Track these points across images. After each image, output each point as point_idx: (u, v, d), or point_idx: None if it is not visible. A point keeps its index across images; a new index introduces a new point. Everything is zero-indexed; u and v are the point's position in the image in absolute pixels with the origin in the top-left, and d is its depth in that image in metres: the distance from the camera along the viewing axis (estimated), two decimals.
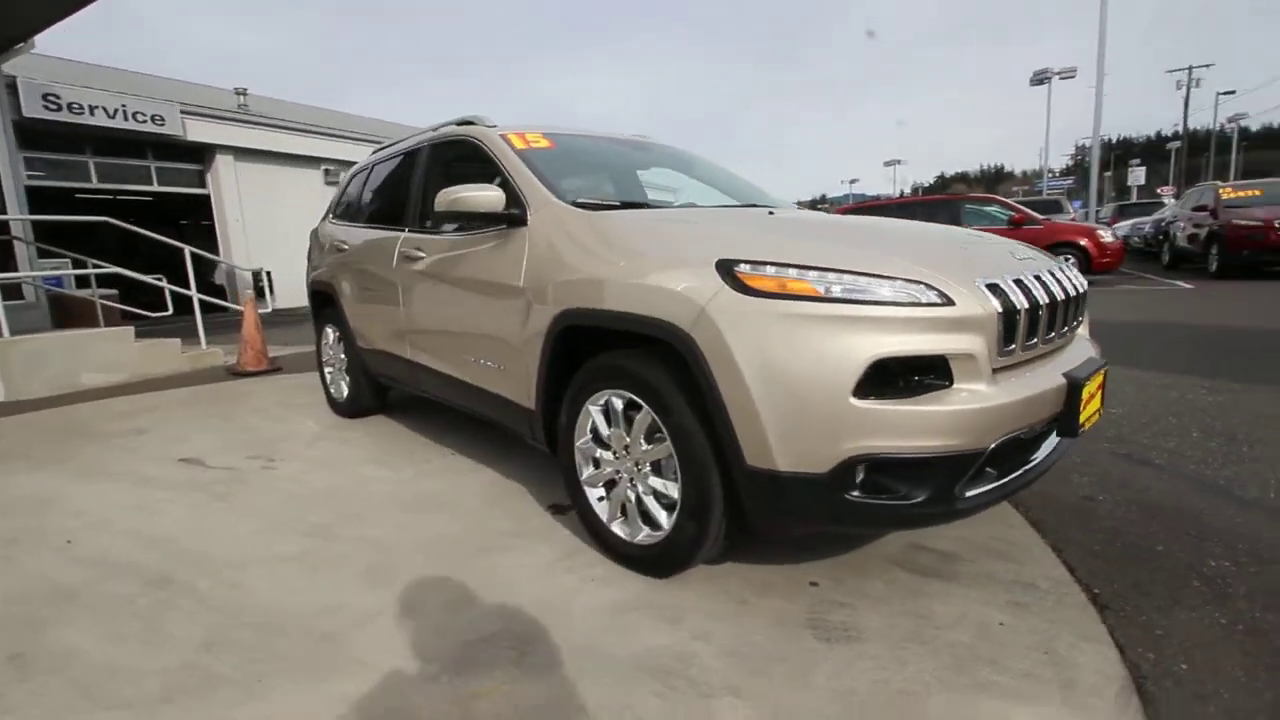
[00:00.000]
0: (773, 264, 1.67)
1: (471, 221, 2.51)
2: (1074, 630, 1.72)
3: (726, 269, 1.71)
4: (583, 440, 2.19)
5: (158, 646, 1.79)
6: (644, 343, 1.99)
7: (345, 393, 4.04)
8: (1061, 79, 25.03)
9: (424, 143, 3.22)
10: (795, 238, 1.90)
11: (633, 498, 2.05)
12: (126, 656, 1.75)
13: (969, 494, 1.66)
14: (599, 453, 2.15)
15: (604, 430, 2.10)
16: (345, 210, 4.01)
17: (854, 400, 1.55)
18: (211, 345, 6.48)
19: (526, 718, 1.48)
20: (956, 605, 1.86)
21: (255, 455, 3.43)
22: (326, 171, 17.97)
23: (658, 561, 2.01)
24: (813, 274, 1.64)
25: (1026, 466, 1.80)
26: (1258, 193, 10.70)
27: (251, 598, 2.03)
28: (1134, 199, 28.33)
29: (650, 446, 1.96)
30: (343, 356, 4.01)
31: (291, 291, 10.22)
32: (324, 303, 4.15)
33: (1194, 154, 53.71)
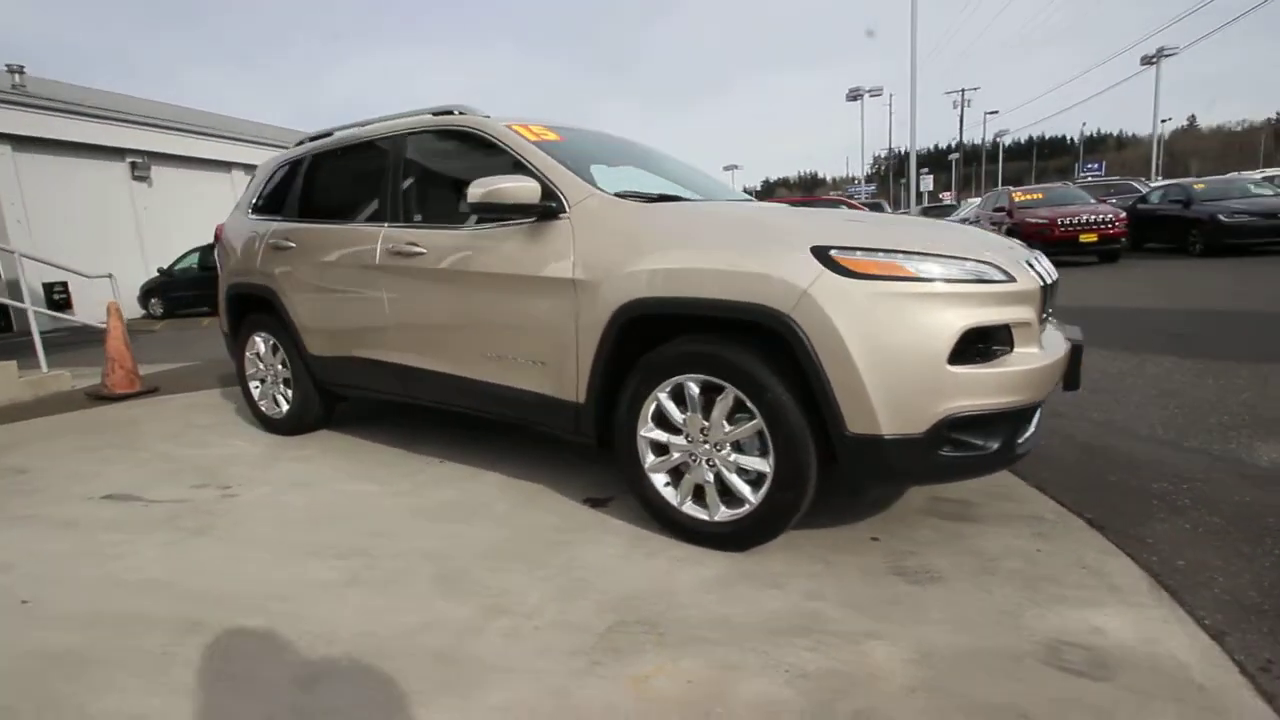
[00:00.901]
0: (864, 249, 1.86)
1: (501, 214, 2.42)
2: (1091, 548, 2.10)
3: (823, 254, 1.86)
4: (646, 429, 2.24)
5: (248, 695, 1.58)
6: (719, 328, 2.09)
7: (284, 408, 3.64)
8: (871, 96, 28.35)
9: (399, 131, 3.01)
10: (866, 226, 2.09)
11: (710, 478, 2.14)
12: (217, 710, 1.53)
13: (1019, 442, 1.97)
14: (667, 439, 2.21)
15: (676, 416, 2.17)
16: (275, 205, 3.60)
17: (949, 366, 1.79)
18: (53, 368, 5.41)
19: (706, 688, 1.53)
20: (996, 541, 2.17)
21: (202, 484, 3.00)
22: (134, 165, 15.56)
23: (741, 536, 2.12)
24: (900, 257, 1.85)
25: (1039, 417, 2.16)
26: (1040, 196, 13.00)
27: (326, 627, 1.84)
28: (925, 203, 32.89)
29: (733, 427, 2.06)
30: (280, 367, 3.61)
31: (91, 306, 8.75)
32: (251, 308, 3.70)
33: (968, 164, 63.28)
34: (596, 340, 2.25)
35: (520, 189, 2.30)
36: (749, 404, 2.00)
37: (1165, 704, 1.43)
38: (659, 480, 2.26)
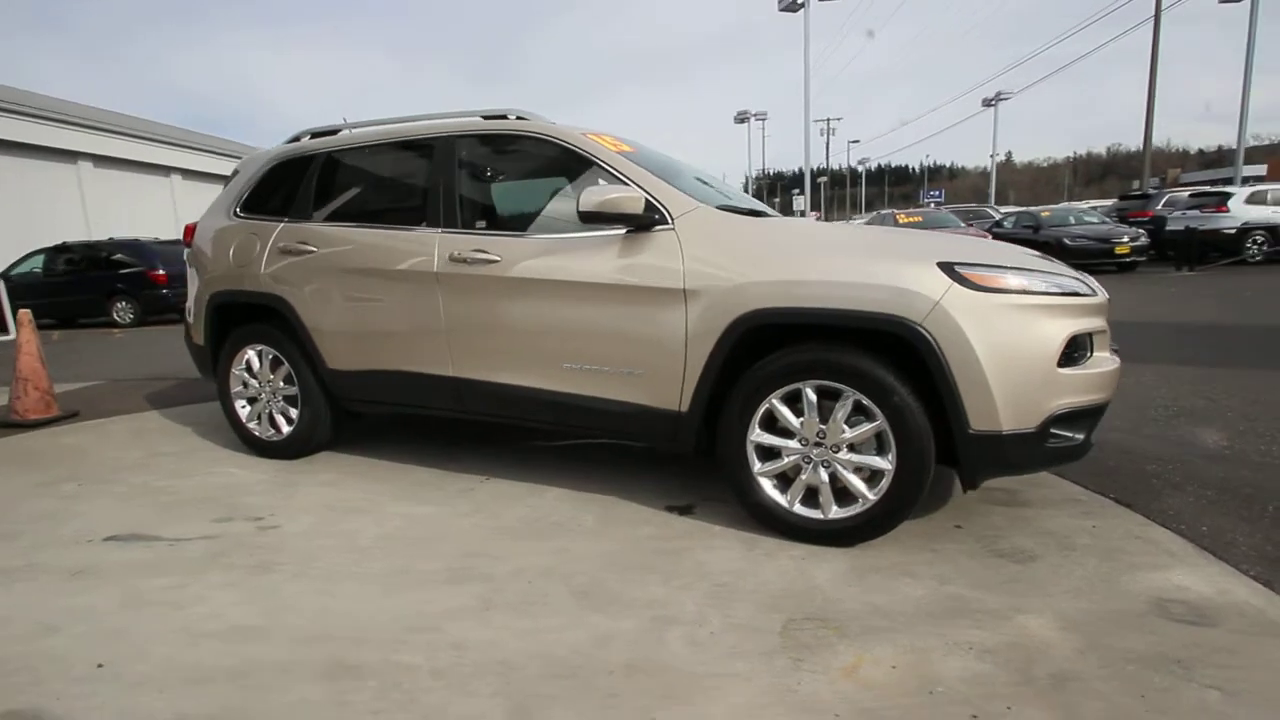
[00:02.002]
0: (984, 265, 2.08)
1: (604, 224, 2.41)
2: (1132, 522, 2.45)
3: (949, 269, 2.06)
4: (755, 434, 2.33)
5: None
6: (831, 336, 2.23)
7: (286, 429, 3.31)
8: (757, 119, 30.14)
9: (448, 132, 2.87)
10: (967, 245, 2.31)
11: (825, 479, 2.27)
12: None
13: (1093, 435, 2.27)
14: (778, 443, 2.31)
15: (792, 421, 2.27)
16: (277, 205, 3.28)
17: (1058, 369, 2.05)
18: None
19: (911, 671, 1.64)
20: (1055, 522, 2.47)
21: (224, 518, 2.67)
22: None
23: (854, 532, 2.26)
24: (1012, 272, 2.09)
25: None
26: (920, 219, 14.49)
27: (494, 653, 1.75)
28: None
29: (852, 429, 2.20)
30: (282, 384, 3.28)
31: None
32: (241, 319, 3.34)
33: (834, 186, 68.91)
34: (709, 350, 2.31)
35: (629, 199, 2.32)
36: (871, 407, 2.16)
37: (1269, 640, 1.74)
38: (767, 484, 2.35)
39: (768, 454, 2.35)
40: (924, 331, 2.04)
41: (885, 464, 2.18)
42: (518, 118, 2.84)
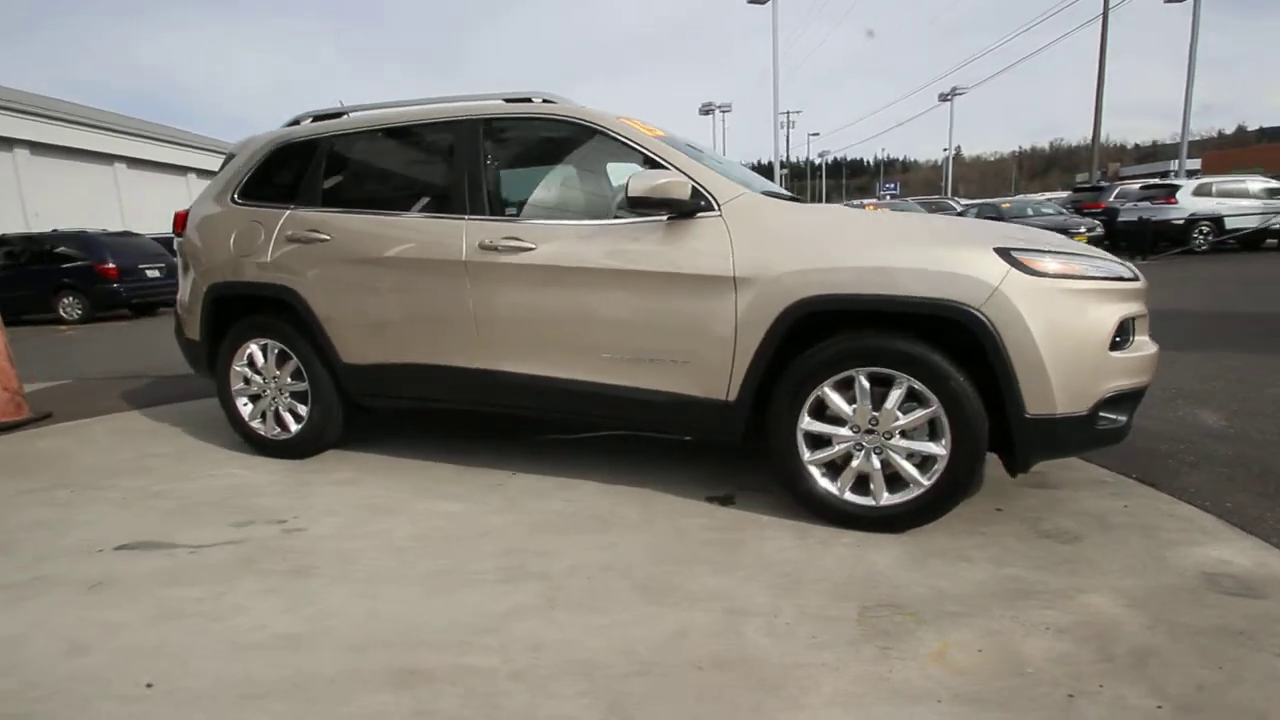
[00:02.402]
0: (1038, 250, 2.10)
1: (650, 210, 2.34)
2: (1161, 500, 2.52)
3: (1006, 254, 2.07)
4: (805, 423, 2.31)
5: None
6: (884, 323, 2.22)
7: (294, 427, 3.15)
8: (722, 111, 30.23)
9: (471, 116, 2.75)
10: (1019, 230, 2.33)
11: (877, 465, 2.26)
12: None
13: (1132, 417, 2.33)
14: (829, 430, 2.29)
15: (844, 409, 2.26)
16: (282, 191, 3.10)
17: (1110, 352, 2.08)
18: None
19: (997, 653, 1.65)
20: (1089, 503, 2.53)
21: (242, 521, 2.53)
22: None
23: (907, 518, 2.26)
24: (1065, 257, 2.11)
25: None
26: (888, 210, 14.76)
27: (571, 653, 1.69)
28: None
29: (907, 416, 2.20)
30: (289, 380, 3.12)
31: None
32: (244, 312, 3.16)
33: (794, 179, 69.82)
34: (760, 338, 2.28)
35: (678, 185, 2.27)
36: (925, 393, 2.16)
37: None
38: (816, 473, 2.34)
39: (816, 442, 2.34)
40: (983, 317, 2.05)
41: (939, 449, 2.18)
42: (544, 100, 2.74)
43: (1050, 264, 2.08)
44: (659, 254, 2.39)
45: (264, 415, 3.22)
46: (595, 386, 2.56)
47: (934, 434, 2.21)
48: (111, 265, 10.70)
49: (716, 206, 2.37)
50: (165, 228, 15.85)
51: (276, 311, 3.08)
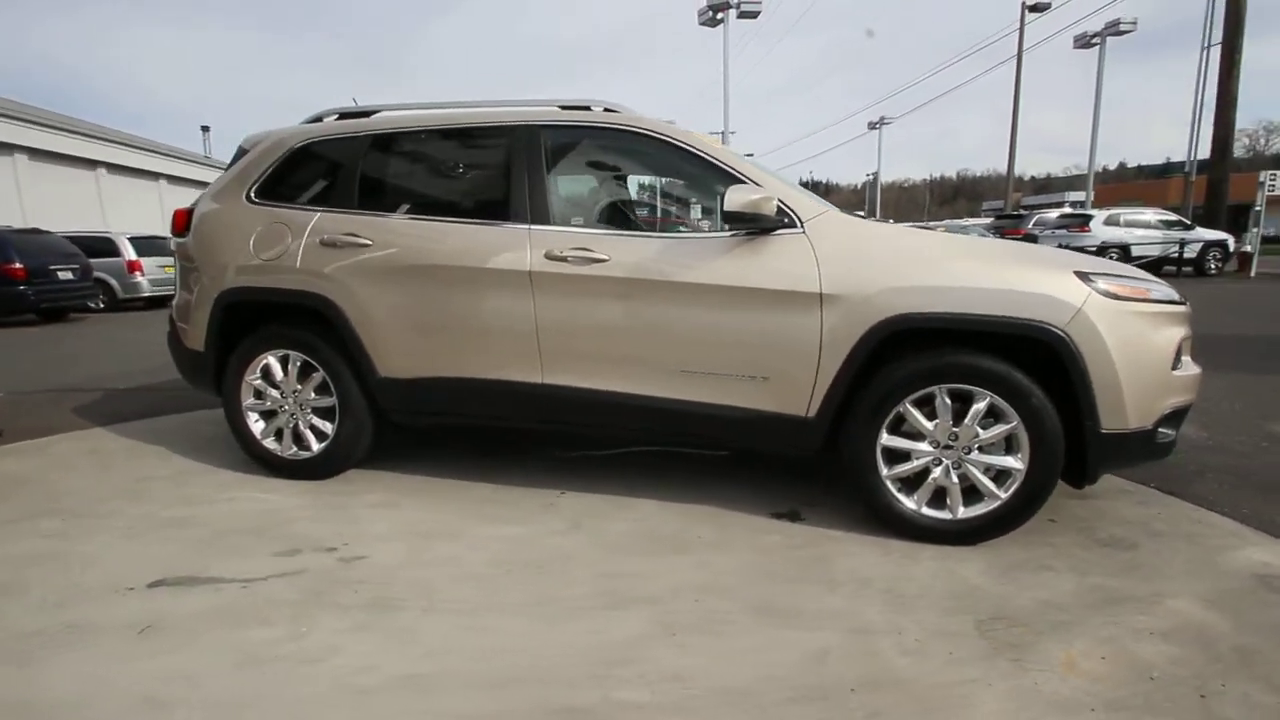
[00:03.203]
0: (1112, 275, 2.23)
1: (742, 224, 2.33)
2: (1185, 508, 2.70)
3: (1085, 278, 2.19)
4: (885, 439, 2.35)
5: None
6: (964, 340, 2.29)
7: (316, 446, 2.92)
8: None
9: (529, 122, 2.65)
10: (1078, 256, 2.45)
11: (955, 479, 2.33)
12: None
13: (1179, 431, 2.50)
14: (909, 446, 2.34)
15: (924, 424, 2.31)
16: (315, 193, 2.88)
17: (1172, 371, 2.23)
18: None
19: (1119, 659, 1.72)
20: (1126, 511, 2.69)
21: (289, 551, 2.31)
22: None
23: (982, 531, 2.33)
24: (1134, 281, 2.26)
25: None
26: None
27: (721, 680, 1.64)
28: None
29: (986, 431, 2.28)
30: (313, 395, 2.89)
31: None
32: (260, 320, 2.91)
33: None
34: (845, 355, 2.30)
35: (767, 201, 2.27)
36: (1005, 409, 2.24)
37: None
38: (893, 488, 2.38)
39: (892, 457, 2.38)
40: (1067, 336, 2.15)
41: (1016, 464, 2.27)
42: (605, 109, 2.69)
43: (1124, 288, 2.22)
44: (742, 269, 2.38)
45: (280, 433, 2.97)
46: (666, 402, 2.51)
47: (1009, 449, 2.29)
48: (19, 265, 9.63)
49: (800, 223, 2.39)
50: (76, 225, 14.43)
51: (302, 321, 2.85)
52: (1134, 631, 1.85)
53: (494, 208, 2.68)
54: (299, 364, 2.89)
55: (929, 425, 2.32)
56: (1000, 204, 34.07)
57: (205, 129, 33.02)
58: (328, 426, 2.92)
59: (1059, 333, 2.16)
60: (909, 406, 2.32)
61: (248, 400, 2.97)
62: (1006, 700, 1.57)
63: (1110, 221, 13.95)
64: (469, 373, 2.69)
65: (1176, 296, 2.36)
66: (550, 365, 2.60)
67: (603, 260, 2.49)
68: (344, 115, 3.03)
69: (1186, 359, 2.44)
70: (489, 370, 2.67)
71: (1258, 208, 13.87)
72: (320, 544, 2.36)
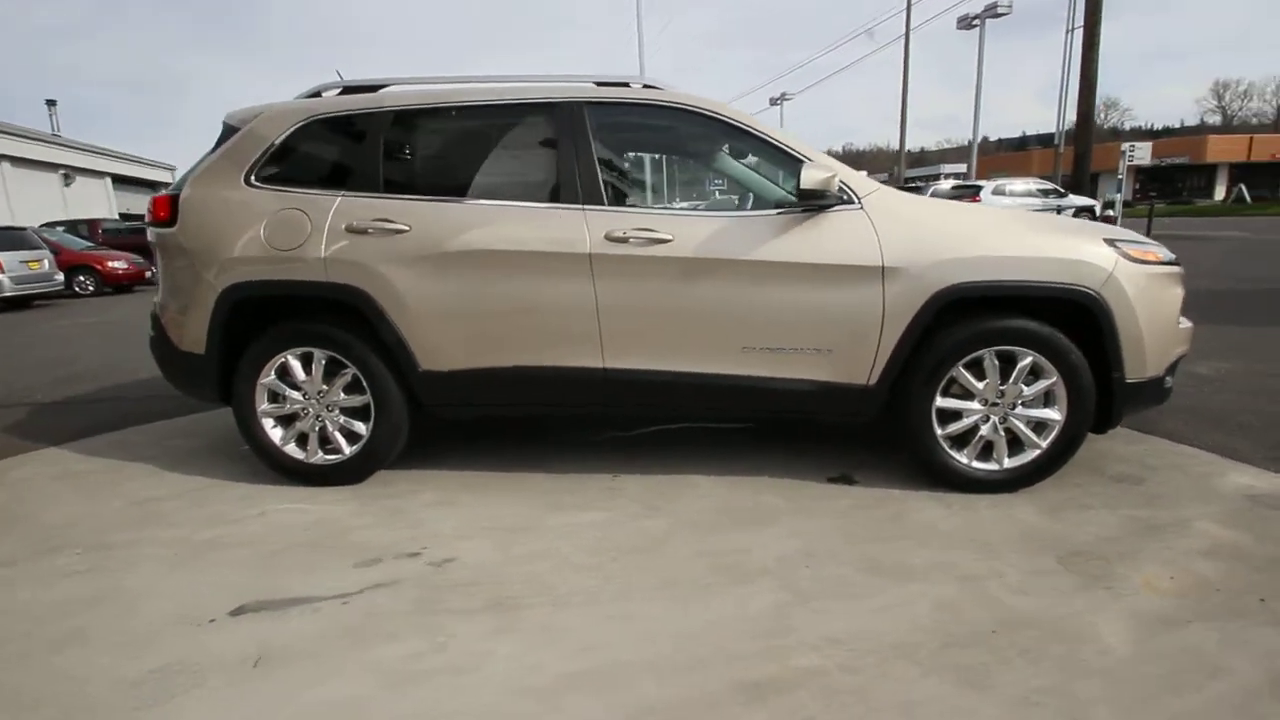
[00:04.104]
0: (1131, 240, 2.49)
1: (811, 201, 2.38)
2: (1163, 444, 3.07)
3: (1113, 244, 2.43)
4: (939, 400, 2.52)
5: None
6: (1007, 305, 2.48)
7: (349, 448, 2.73)
8: None
9: (570, 98, 2.55)
10: (1093, 224, 2.70)
11: (1002, 433, 2.54)
12: None
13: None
14: (960, 405, 2.52)
15: (975, 385, 2.50)
16: (330, 175, 2.64)
17: (1179, 323, 2.54)
18: None
19: (1184, 579, 1.97)
20: (1120, 449, 3.01)
21: (366, 560, 2.17)
22: None
23: (1025, 479, 2.57)
24: (1146, 246, 2.53)
25: None
26: None
27: (876, 639, 1.73)
28: None
29: (1030, 388, 2.49)
30: (343, 395, 2.69)
31: None
32: (276, 316, 2.65)
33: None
34: (906, 324, 2.43)
35: (832, 179, 2.34)
36: (1046, 366, 2.46)
37: None
38: (947, 444, 2.56)
39: (944, 417, 2.56)
40: (1102, 299, 2.39)
41: (1055, 415, 2.51)
42: (645, 85, 2.64)
43: (1142, 252, 2.48)
44: (804, 245, 2.45)
45: (303, 438, 2.74)
46: (733, 379, 2.56)
47: (1048, 402, 2.53)
48: None
49: (857, 199, 2.48)
50: None
51: (328, 315, 2.63)
52: (1184, 553, 2.12)
53: (541, 189, 2.58)
54: (324, 362, 2.67)
55: (979, 385, 2.51)
56: (884, 176, 36.29)
57: (51, 103, 28.56)
58: (359, 426, 2.73)
59: (1095, 294, 2.39)
60: (961, 369, 2.49)
61: (262, 405, 2.71)
62: (1123, 621, 1.77)
63: (998, 191, 15.29)
64: (524, 360, 2.60)
65: (1175, 258, 2.67)
66: (611, 348, 2.57)
67: (666, 240, 2.47)
68: (347, 90, 2.78)
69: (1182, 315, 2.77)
70: (546, 357, 2.59)
71: (1120, 176, 15.72)
72: (398, 550, 2.23)
